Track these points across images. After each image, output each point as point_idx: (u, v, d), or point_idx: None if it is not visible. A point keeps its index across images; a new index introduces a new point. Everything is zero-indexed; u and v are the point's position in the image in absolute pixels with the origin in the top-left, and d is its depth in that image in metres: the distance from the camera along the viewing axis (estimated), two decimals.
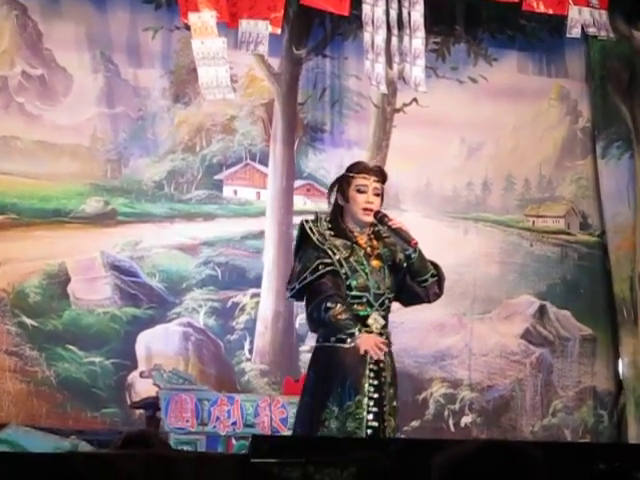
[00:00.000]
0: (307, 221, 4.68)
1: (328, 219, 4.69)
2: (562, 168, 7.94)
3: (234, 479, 3.61)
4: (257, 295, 7.17)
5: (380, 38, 6.44)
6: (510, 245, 7.74)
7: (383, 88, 6.54)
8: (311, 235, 4.62)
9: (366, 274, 4.59)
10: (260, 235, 7.25)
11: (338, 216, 4.66)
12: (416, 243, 4.57)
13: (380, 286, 4.60)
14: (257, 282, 7.19)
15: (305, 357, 7.08)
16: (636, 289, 7.68)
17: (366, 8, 6.40)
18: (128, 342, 6.82)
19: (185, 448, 5.63)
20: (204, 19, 6.26)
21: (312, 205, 7.38)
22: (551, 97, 7.96)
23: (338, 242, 4.63)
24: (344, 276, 4.57)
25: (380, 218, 4.60)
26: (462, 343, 7.51)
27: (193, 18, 6.25)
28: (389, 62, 6.57)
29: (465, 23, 7.65)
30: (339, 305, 4.47)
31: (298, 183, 7.38)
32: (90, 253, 6.89)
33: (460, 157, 7.69)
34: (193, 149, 7.16)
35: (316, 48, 7.43)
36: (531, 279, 7.71)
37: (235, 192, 7.29)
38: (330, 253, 4.58)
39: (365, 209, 4.60)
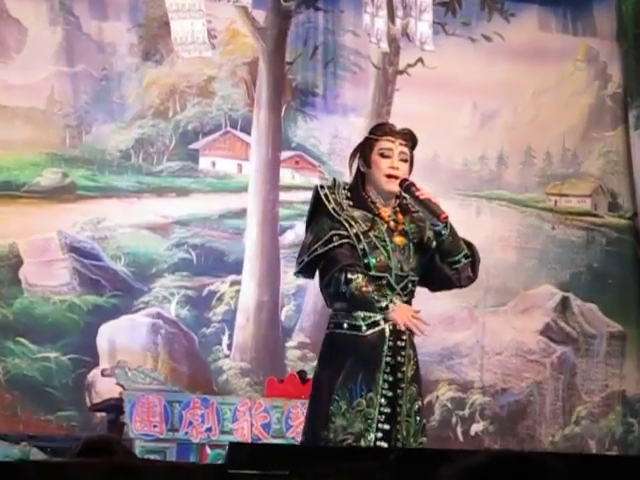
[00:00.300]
0: (322, 187, 4.69)
1: (347, 187, 4.72)
2: (589, 140, 8.11)
3: None
4: (237, 283, 7.42)
5: None
6: (529, 228, 7.85)
7: (384, 46, 6.79)
8: (326, 203, 4.63)
9: (387, 252, 4.60)
10: (241, 213, 7.50)
11: (359, 184, 4.68)
12: (446, 217, 4.55)
13: (403, 267, 4.61)
14: (237, 268, 7.39)
15: (292, 354, 7.37)
16: None
17: None
18: (88, 335, 7.03)
19: (153, 457, 5.70)
20: None
21: (301, 179, 7.56)
22: (577, 58, 8.12)
23: (357, 214, 4.65)
24: (361, 252, 4.60)
25: (407, 187, 4.59)
26: (473, 340, 7.63)
27: None
28: (391, 16, 6.77)
29: None
30: (361, 276, 4.50)
31: (285, 154, 7.63)
32: (46, 232, 6.99)
33: (472, 126, 7.81)
34: (165, 114, 7.42)
35: None
36: (552, 267, 7.85)
37: (213, 164, 7.47)
38: (347, 225, 4.59)
39: (389, 175, 4.59)
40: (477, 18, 7.82)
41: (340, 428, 4.53)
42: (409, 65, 7.61)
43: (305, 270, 4.66)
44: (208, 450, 6.02)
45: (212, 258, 7.31)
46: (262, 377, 7.00)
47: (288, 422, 6.08)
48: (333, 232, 4.61)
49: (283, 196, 7.47)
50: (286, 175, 7.52)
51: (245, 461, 3.64)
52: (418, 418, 4.64)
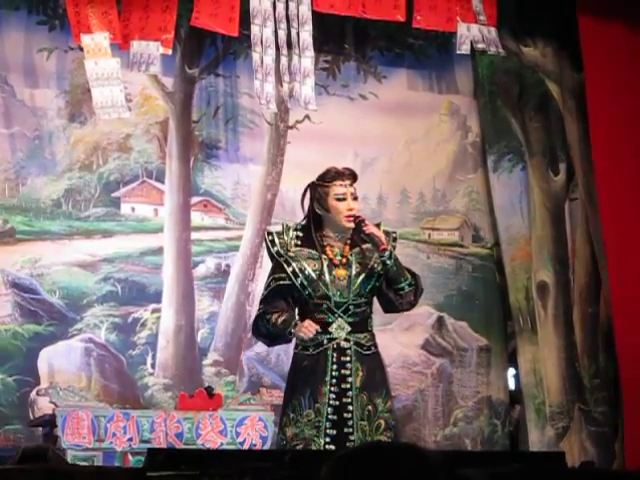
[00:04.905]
0: (270, 233, 4.98)
1: (299, 227, 4.98)
2: (455, 182, 8.29)
3: None
4: (158, 310, 7.48)
5: (269, 58, 6.81)
6: (407, 257, 7.76)
7: (273, 107, 6.89)
8: (271, 248, 4.95)
9: (326, 284, 4.88)
10: (159, 251, 7.55)
11: (312, 225, 4.94)
12: (384, 249, 4.84)
13: (343, 294, 4.89)
14: (157, 297, 7.51)
15: (208, 370, 7.56)
16: (532, 298, 8.16)
17: (255, 29, 6.78)
18: (30, 359, 7.09)
19: (82, 464, 5.84)
20: (97, 40, 6.64)
21: (209, 220, 7.75)
22: (441, 113, 8.37)
23: (304, 252, 4.91)
24: (300, 286, 4.89)
25: (358, 223, 4.90)
26: None
27: (86, 40, 6.63)
28: (279, 81, 6.90)
29: (354, 42, 8.10)
30: (276, 314, 4.87)
31: (195, 199, 7.70)
32: None
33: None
34: (90, 167, 7.46)
35: (208, 67, 7.75)
36: (429, 291, 7.84)
37: (133, 209, 7.54)
38: (285, 266, 4.89)
39: (348, 216, 4.90)
40: (354, 80, 8.08)
41: (293, 435, 4.83)
42: (297, 121, 7.86)
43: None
44: (130, 457, 6.13)
45: (135, 290, 7.46)
46: (182, 391, 7.02)
47: (198, 431, 6.20)
48: (271, 277, 4.92)
49: (194, 235, 7.64)
50: (196, 217, 7.69)
51: (161, 464, 3.93)
52: (370, 421, 4.86)
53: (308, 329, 4.85)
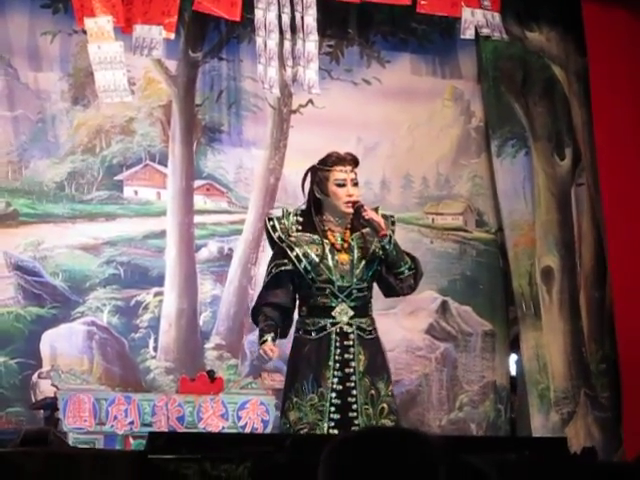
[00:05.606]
0: (270, 219, 5.01)
1: (300, 212, 4.99)
2: (458, 166, 8.26)
3: (131, 475, 3.84)
4: (160, 294, 7.46)
5: (273, 42, 6.81)
6: (411, 242, 7.89)
7: (276, 91, 6.88)
8: (272, 233, 4.98)
9: (329, 269, 4.91)
10: (161, 234, 7.55)
11: (313, 209, 4.95)
12: (384, 234, 4.86)
13: (346, 278, 4.93)
14: (160, 281, 7.50)
15: (210, 354, 7.54)
16: (536, 283, 8.14)
17: (258, 13, 6.77)
18: (33, 341, 7.08)
19: (83, 447, 5.81)
20: (100, 24, 6.63)
21: (212, 204, 7.75)
22: (445, 97, 8.34)
23: (306, 236, 4.93)
24: (304, 270, 4.91)
25: (357, 209, 4.92)
26: None
27: (89, 23, 6.62)
28: (283, 65, 6.89)
29: (358, 26, 8.07)
30: (263, 316, 4.91)
31: (198, 183, 7.68)
32: None
33: (357, 156, 8.03)
34: (93, 150, 7.46)
35: (212, 51, 7.72)
36: (433, 275, 7.97)
37: (136, 192, 7.52)
38: (288, 251, 4.89)
39: (347, 202, 4.92)
40: (358, 65, 8.07)
41: (296, 419, 4.84)
42: (301, 105, 7.84)
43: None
44: (131, 440, 6.08)
45: (137, 273, 7.45)
46: (184, 374, 6.96)
47: (199, 415, 6.17)
48: (273, 263, 4.93)
49: (197, 219, 7.63)
50: (199, 201, 7.68)
51: (162, 448, 3.93)
52: (374, 405, 4.89)
53: (268, 353, 4.92)
